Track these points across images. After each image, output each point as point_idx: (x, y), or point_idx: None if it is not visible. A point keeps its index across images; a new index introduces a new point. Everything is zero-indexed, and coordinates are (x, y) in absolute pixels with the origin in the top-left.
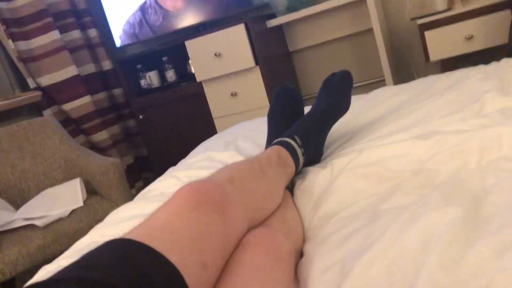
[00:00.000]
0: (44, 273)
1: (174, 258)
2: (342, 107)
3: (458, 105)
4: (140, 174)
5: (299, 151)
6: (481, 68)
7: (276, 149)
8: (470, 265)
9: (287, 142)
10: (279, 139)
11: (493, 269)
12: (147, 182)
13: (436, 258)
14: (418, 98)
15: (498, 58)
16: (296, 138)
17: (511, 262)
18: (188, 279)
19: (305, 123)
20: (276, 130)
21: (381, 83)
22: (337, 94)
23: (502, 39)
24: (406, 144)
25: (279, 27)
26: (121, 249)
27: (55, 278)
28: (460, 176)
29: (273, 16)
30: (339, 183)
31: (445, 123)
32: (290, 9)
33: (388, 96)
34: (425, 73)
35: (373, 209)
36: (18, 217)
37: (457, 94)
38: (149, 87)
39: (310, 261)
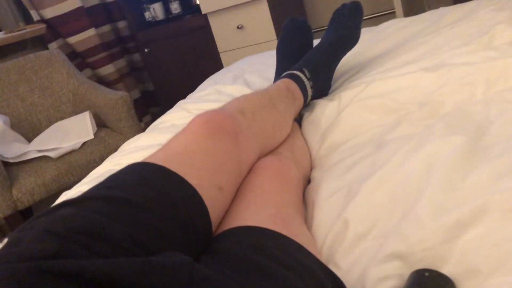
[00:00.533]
0: (65, 198)
1: (192, 180)
2: (351, 40)
3: (468, 37)
4: (148, 108)
5: (307, 84)
6: None
7: (285, 81)
8: (469, 187)
9: (296, 75)
10: (288, 72)
11: (490, 191)
12: (155, 117)
13: (437, 182)
14: (427, 31)
15: None
16: (305, 71)
17: (506, 184)
18: (206, 200)
19: (314, 55)
20: (285, 63)
21: (391, 15)
22: (347, 26)
23: None
24: (413, 76)
25: None
26: (142, 172)
27: (84, 196)
28: (465, 107)
29: None
30: (346, 114)
31: (453, 56)
32: None
33: (398, 28)
34: (436, 5)
35: (378, 139)
36: (31, 149)
37: (467, 26)
38: (154, 20)
39: (317, 187)
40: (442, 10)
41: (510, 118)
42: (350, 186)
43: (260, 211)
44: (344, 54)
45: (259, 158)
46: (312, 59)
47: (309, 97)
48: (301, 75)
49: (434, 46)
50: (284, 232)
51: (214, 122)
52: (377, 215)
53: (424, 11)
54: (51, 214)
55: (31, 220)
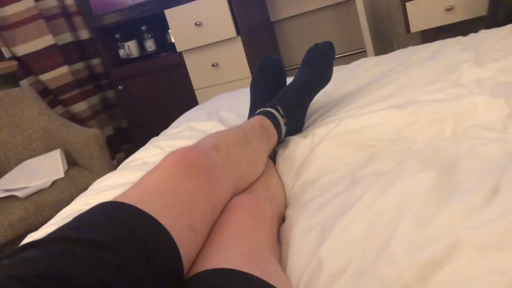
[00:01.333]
0: (30, 240)
1: (164, 220)
2: (324, 78)
3: (436, 75)
4: (121, 145)
5: (281, 121)
6: (459, 39)
7: (259, 118)
8: (442, 223)
9: (270, 112)
10: (262, 109)
11: (462, 227)
12: (128, 154)
13: (410, 219)
14: (397, 69)
15: (477, 30)
16: (279, 108)
17: (477, 221)
18: (178, 241)
19: (287, 93)
20: (259, 101)
21: (362, 54)
22: (320, 65)
23: (481, 11)
24: (384, 113)
25: None
26: (112, 211)
27: (49, 238)
28: (436, 143)
29: None
30: (319, 151)
31: (423, 93)
32: None
33: (369, 66)
34: (405, 44)
35: (352, 175)
36: None
37: (435, 65)
38: (128, 57)
39: (292, 225)
40: (411, 49)
41: (478, 154)
42: (324, 224)
43: (233, 251)
44: (317, 92)
45: (234, 195)
46: (286, 96)
47: (283, 134)
48: (275, 112)
49: (404, 83)
50: (257, 274)
51: (187, 160)
52: (352, 253)
53: (394, 50)
54: (14, 257)
55: None
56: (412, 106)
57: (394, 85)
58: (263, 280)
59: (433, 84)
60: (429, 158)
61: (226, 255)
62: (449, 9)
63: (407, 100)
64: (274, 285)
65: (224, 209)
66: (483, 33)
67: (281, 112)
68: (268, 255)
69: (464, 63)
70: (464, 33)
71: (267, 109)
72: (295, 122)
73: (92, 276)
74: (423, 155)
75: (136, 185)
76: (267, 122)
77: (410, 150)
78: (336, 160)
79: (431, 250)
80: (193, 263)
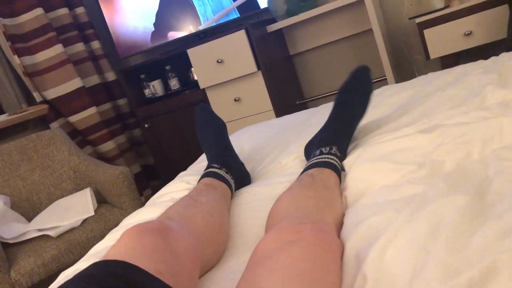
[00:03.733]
0: (63, 277)
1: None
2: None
3: (460, 99)
4: (148, 182)
5: (223, 173)
6: (480, 63)
7: (202, 181)
8: (476, 247)
9: (211, 172)
10: (205, 171)
11: (497, 250)
12: (155, 190)
13: (443, 243)
14: (420, 95)
15: (497, 53)
16: (216, 165)
17: None
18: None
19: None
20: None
21: (383, 82)
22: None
23: (501, 34)
24: (410, 138)
25: (280, 31)
26: (104, 267)
27: None
28: (464, 166)
29: (273, 20)
30: (350, 178)
31: (447, 117)
32: (290, 13)
33: (390, 94)
34: (426, 71)
35: (382, 200)
36: (31, 228)
37: (458, 89)
38: (153, 96)
39: None
40: (431, 75)
41: (508, 176)
42: (358, 251)
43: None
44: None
45: (205, 248)
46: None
47: (231, 181)
48: (215, 170)
49: (428, 109)
50: None
51: (140, 227)
52: (385, 280)
53: (414, 76)
54: None
55: None
56: (438, 129)
57: (417, 111)
58: None
59: (457, 108)
60: (459, 180)
61: None
62: (468, 34)
63: (432, 125)
64: None
65: (292, 232)
66: (504, 56)
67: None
68: None
69: (487, 85)
70: (485, 57)
71: (209, 170)
72: (239, 173)
73: None
74: (453, 178)
75: (105, 254)
76: (208, 180)
77: (438, 173)
78: (367, 186)
79: (467, 275)
80: None
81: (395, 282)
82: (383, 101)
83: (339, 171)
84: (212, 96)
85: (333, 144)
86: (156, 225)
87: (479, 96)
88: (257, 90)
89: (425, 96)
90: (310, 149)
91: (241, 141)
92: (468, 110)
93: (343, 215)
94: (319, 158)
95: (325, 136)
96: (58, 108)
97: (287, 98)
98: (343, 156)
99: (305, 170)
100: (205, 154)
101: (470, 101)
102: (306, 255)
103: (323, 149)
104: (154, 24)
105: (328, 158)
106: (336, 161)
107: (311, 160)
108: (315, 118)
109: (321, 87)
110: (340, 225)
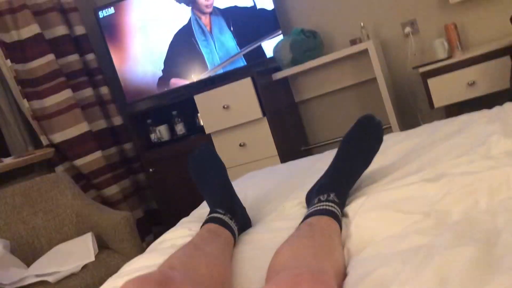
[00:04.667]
0: None
1: None
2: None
3: (465, 148)
4: (150, 227)
5: (227, 220)
6: (484, 112)
7: (205, 227)
8: None
9: (214, 217)
10: (208, 217)
11: None
12: (157, 236)
13: None
14: (424, 143)
15: (501, 103)
16: (220, 210)
17: None
18: None
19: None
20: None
21: (387, 130)
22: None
23: (504, 84)
24: (416, 187)
25: (285, 79)
26: None
27: None
28: (472, 216)
29: (278, 69)
30: (354, 226)
31: (453, 166)
32: (295, 62)
33: (395, 142)
34: (430, 119)
35: (388, 251)
36: (30, 274)
37: (463, 138)
38: (159, 141)
39: None
40: (436, 123)
41: None
42: None
43: None
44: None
45: None
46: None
47: (235, 228)
48: (219, 216)
49: (433, 157)
50: None
51: (142, 279)
52: None
53: (419, 125)
54: None
55: None
56: (444, 178)
57: (423, 159)
58: None
59: (462, 156)
60: (466, 231)
61: None
62: (471, 84)
63: (437, 174)
64: None
65: (290, 283)
66: (508, 105)
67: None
68: None
69: (492, 135)
70: (488, 107)
71: (213, 215)
72: (242, 218)
73: None
74: (460, 228)
75: None
76: (212, 225)
77: (445, 223)
78: (371, 235)
79: None
80: None
81: None
82: (388, 149)
83: (339, 218)
84: (217, 141)
85: (331, 191)
86: (157, 277)
87: (484, 146)
88: (262, 136)
89: (430, 144)
90: (310, 197)
91: (246, 187)
92: (474, 159)
93: (344, 262)
94: (317, 206)
95: (324, 183)
96: (64, 152)
97: (292, 144)
98: (342, 202)
99: (304, 219)
100: (205, 196)
101: (475, 150)
102: None
103: (321, 197)
104: (162, 70)
105: (326, 205)
106: (335, 208)
107: (310, 208)
108: (320, 164)
109: (326, 134)
110: (340, 272)
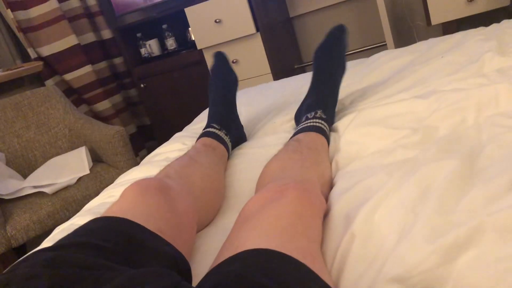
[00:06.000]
0: (58, 231)
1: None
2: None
3: (458, 65)
4: (144, 143)
5: (222, 134)
6: (481, 29)
7: (200, 141)
8: (464, 209)
9: (209, 131)
10: (203, 131)
11: (485, 213)
12: (151, 151)
13: (432, 205)
14: (418, 61)
15: (499, 20)
16: (215, 125)
17: (500, 205)
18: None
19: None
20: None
21: (382, 47)
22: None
23: (504, 1)
24: (406, 103)
25: None
26: (106, 223)
27: (59, 244)
28: (458, 131)
29: None
30: (343, 141)
31: (444, 83)
32: None
33: (389, 59)
34: (426, 37)
35: (375, 164)
36: (26, 185)
37: (457, 55)
38: (150, 56)
39: None
40: (431, 41)
41: (501, 142)
42: (348, 211)
43: (291, 243)
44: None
45: (202, 208)
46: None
47: (229, 143)
48: (215, 130)
49: (426, 74)
50: (313, 269)
51: (142, 185)
52: (374, 239)
53: (415, 42)
54: (33, 258)
55: (16, 265)
56: (434, 95)
57: (415, 76)
58: (318, 276)
59: (455, 74)
60: (451, 145)
61: (285, 245)
62: (470, 0)
63: (429, 90)
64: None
65: (276, 192)
66: (505, 23)
67: (322, 115)
68: (319, 252)
69: (486, 52)
70: (486, 24)
71: (209, 129)
72: (236, 133)
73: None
74: (446, 143)
75: (107, 210)
76: (207, 140)
77: (432, 138)
78: (359, 150)
79: (454, 235)
80: (244, 242)
81: (383, 241)
82: (381, 66)
83: (326, 133)
84: (209, 57)
85: (317, 108)
86: (157, 183)
87: (477, 63)
88: (256, 53)
89: (424, 61)
90: (298, 116)
91: (239, 103)
92: (466, 76)
93: (330, 173)
94: (305, 124)
95: (309, 102)
96: (53, 66)
97: (285, 61)
98: (330, 117)
99: (293, 135)
100: (209, 106)
101: (468, 68)
102: (286, 211)
103: (308, 115)
104: None
105: (313, 122)
106: (322, 124)
107: (298, 126)
108: None
109: None
110: (326, 183)
